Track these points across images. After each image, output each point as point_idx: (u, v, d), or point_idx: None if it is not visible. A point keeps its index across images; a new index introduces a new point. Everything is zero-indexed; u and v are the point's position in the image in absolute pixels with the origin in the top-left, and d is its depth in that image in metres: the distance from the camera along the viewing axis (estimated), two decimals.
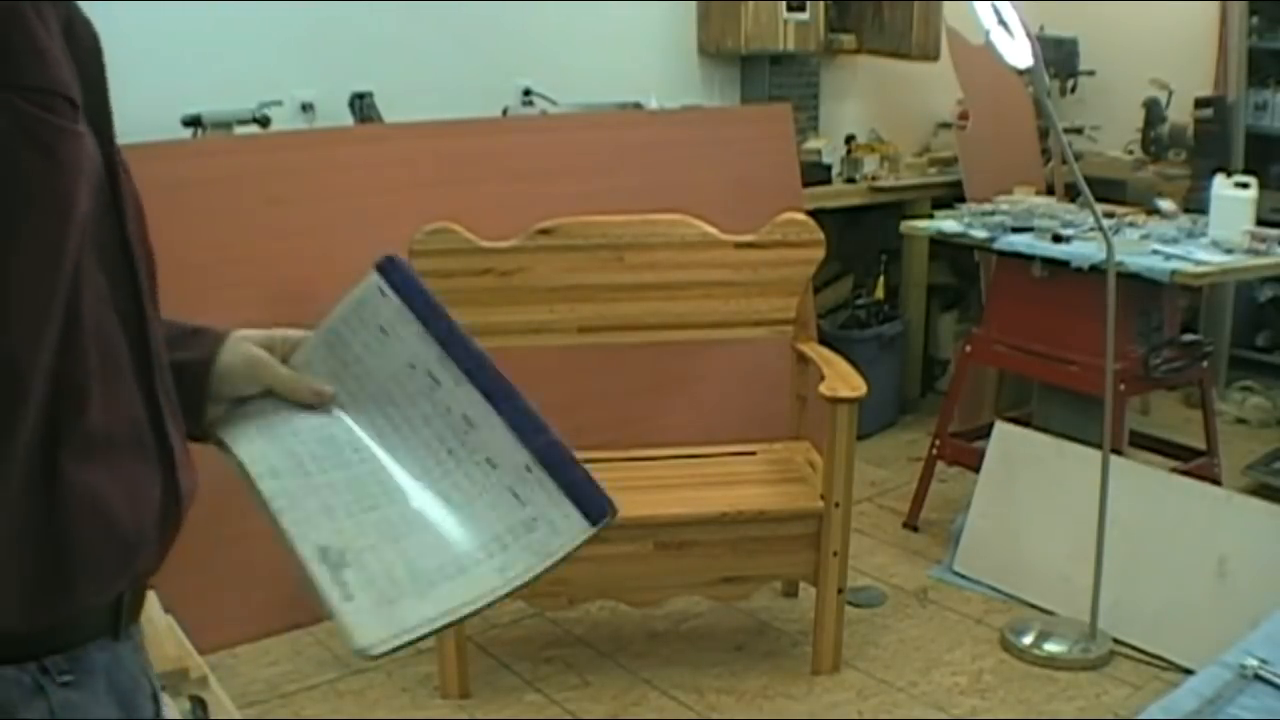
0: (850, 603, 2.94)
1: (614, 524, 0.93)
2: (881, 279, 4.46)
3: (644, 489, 2.80)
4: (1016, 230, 3.38)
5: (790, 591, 3.16)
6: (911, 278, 4.49)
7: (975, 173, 4.21)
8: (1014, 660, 2.88)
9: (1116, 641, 2.89)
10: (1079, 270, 3.09)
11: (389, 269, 1.04)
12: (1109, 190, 4.15)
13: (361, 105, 3.52)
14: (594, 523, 0.91)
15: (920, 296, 4.52)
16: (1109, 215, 3.41)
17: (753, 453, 2.99)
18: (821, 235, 2.95)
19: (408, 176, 3.18)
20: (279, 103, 3.34)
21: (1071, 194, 4.00)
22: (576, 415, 3.38)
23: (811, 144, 4.29)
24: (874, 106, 4.81)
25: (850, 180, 4.33)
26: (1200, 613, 2.77)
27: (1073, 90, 4.94)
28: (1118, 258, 2.80)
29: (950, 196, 4.14)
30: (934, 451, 3.56)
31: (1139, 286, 3.02)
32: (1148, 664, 2.83)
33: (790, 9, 4.14)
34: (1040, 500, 3.16)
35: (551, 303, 2.86)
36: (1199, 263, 3.03)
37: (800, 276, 2.95)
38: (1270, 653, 1.34)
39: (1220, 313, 4.69)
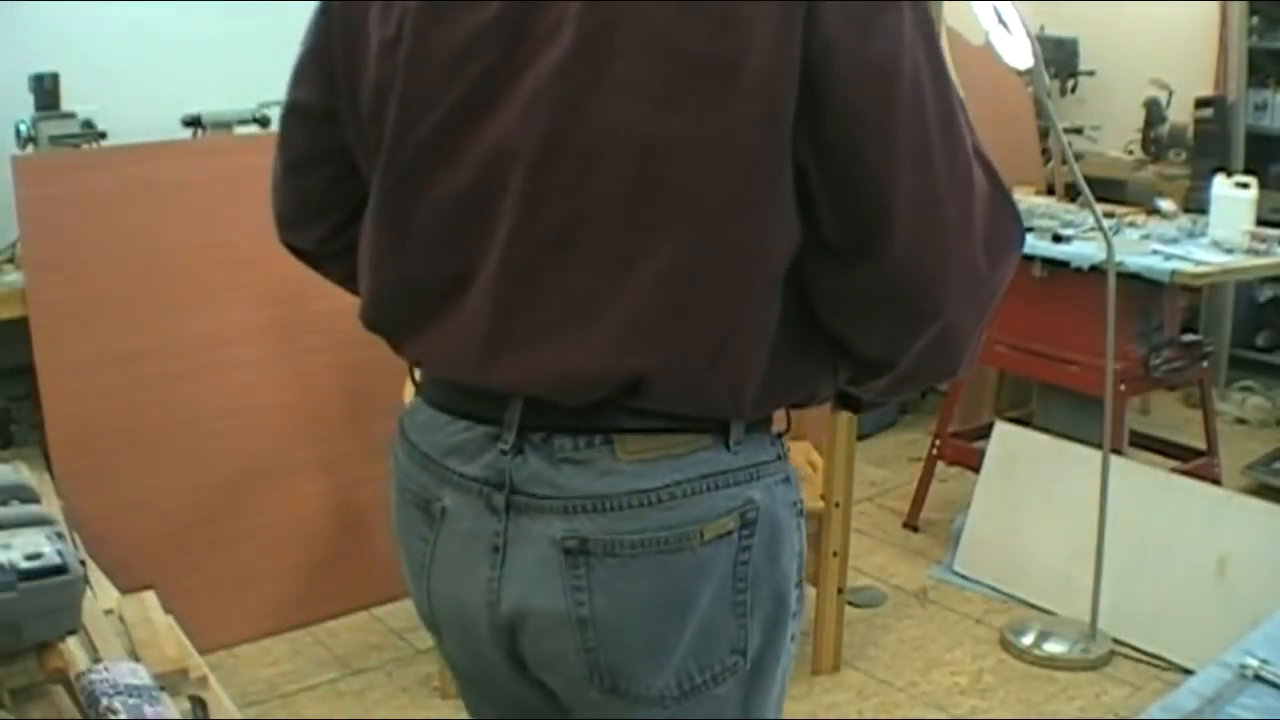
0: (850, 603, 2.94)
1: None
2: None
3: None
4: None
5: None
6: None
7: None
8: (1014, 660, 2.88)
9: (1116, 641, 2.88)
10: (1079, 270, 3.08)
11: None
12: (1109, 190, 4.15)
13: None
14: None
15: None
16: (1109, 215, 3.41)
17: None
18: None
19: None
20: (279, 103, 3.34)
21: (1071, 194, 4.00)
22: None
23: None
24: None
25: None
26: (1200, 613, 2.77)
27: (1073, 90, 4.93)
28: (1118, 258, 2.80)
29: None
30: (934, 451, 3.56)
31: (1139, 286, 3.02)
32: (1148, 664, 2.82)
33: None
34: (1040, 500, 3.16)
35: None
36: (1199, 263, 3.03)
37: None
38: (1270, 653, 1.34)
39: (1220, 313, 4.69)
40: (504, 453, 1.06)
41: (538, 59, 0.99)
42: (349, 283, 1.26)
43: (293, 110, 1.24)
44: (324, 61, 1.16)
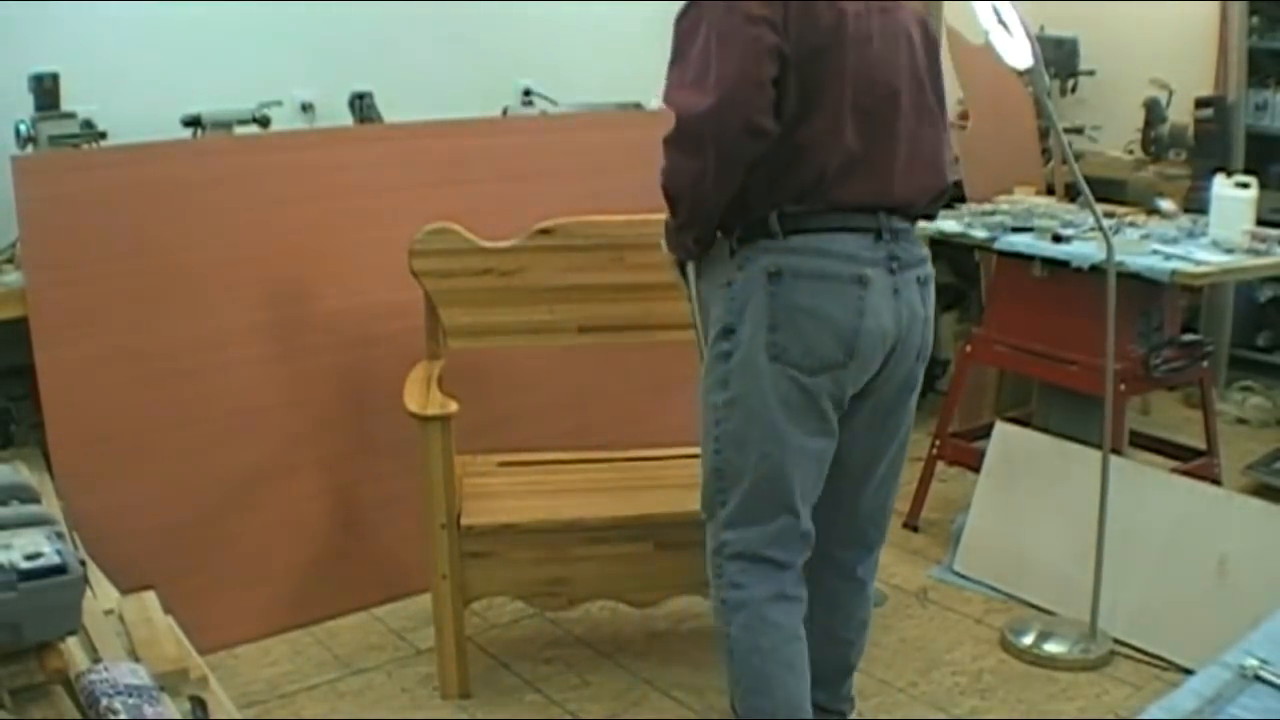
0: None
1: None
2: None
3: (644, 488, 2.79)
4: (1016, 230, 3.38)
5: None
6: None
7: (975, 173, 4.21)
8: (1014, 660, 2.88)
9: (1116, 641, 2.89)
10: (1079, 270, 3.09)
11: None
12: (1109, 190, 4.15)
13: (361, 105, 3.52)
14: None
15: None
16: (1109, 215, 3.41)
17: None
18: None
19: (408, 176, 3.18)
20: (279, 103, 3.35)
21: (1071, 194, 4.00)
22: (576, 415, 3.39)
23: None
24: None
25: None
26: (1200, 613, 2.77)
27: (1073, 90, 4.93)
28: (1118, 258, 2.80)
29: (950, 196, 4.14)
30: (934, 451, 3.56)
31: (1139, 286, 3.02)
32: (1148, 664, 2.83)
33: None
34: (1040, 500, 3.16)
35: (551, 303, 2.86)
36: (1199, 263, 3.02)
37: None
38: (1270, 653, 1.34)
39: (1220, 313, 4.69)
40: (888, 243, 2.05)
41: (894, 45, 2.04)
42: (746, 163, 1.98)
43: (769, 50, 1.92)
44: (778, 27, 1.93)
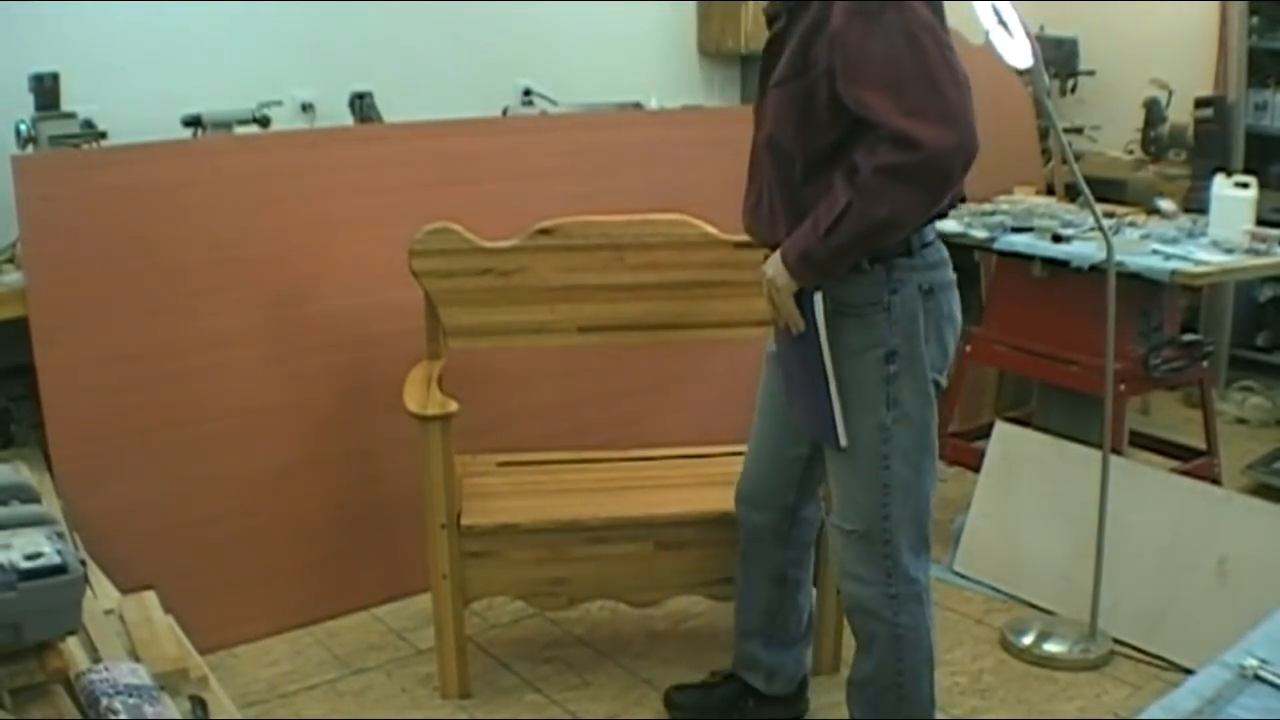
0: None
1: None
2: None
3: (644, 489, 2.79)
4: (1016, 230, 3.38)
5: None
6: None
7: (975, 173, 4.20)
8: (1014, 660, 2.88)
9: (1116, 641, 2.89)
10: (1079, 270, 3.09)
11: None
12: (1109, 190, 4.15)
13: (361, 105, 3.53)
14: None
15: None
16: (1109, 215, 3.41)
17: None
18: None
19: (408, 176, 3.18)
20: (279, 103, 3.35)
21: (1071, 194, 4.00)
22: (576, 415, 3.39)
23: None
24: None
25: None
26: (1200, 613, 2.77)
27: (1073, 90, 4.94)
28: (1118, 258, 2.80)
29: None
30: None
31: (1139, 286, 3.03)
32: (1148, 664, 2.83)
33: None
34: (1040, 500, 3.16)
35: (551, 303, 2.86)
36: (1199, 263, 3.03)
37: None
38: (1270, 653, 1.34)
39: (1220, 313, 4.69)
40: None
41: None
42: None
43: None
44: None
